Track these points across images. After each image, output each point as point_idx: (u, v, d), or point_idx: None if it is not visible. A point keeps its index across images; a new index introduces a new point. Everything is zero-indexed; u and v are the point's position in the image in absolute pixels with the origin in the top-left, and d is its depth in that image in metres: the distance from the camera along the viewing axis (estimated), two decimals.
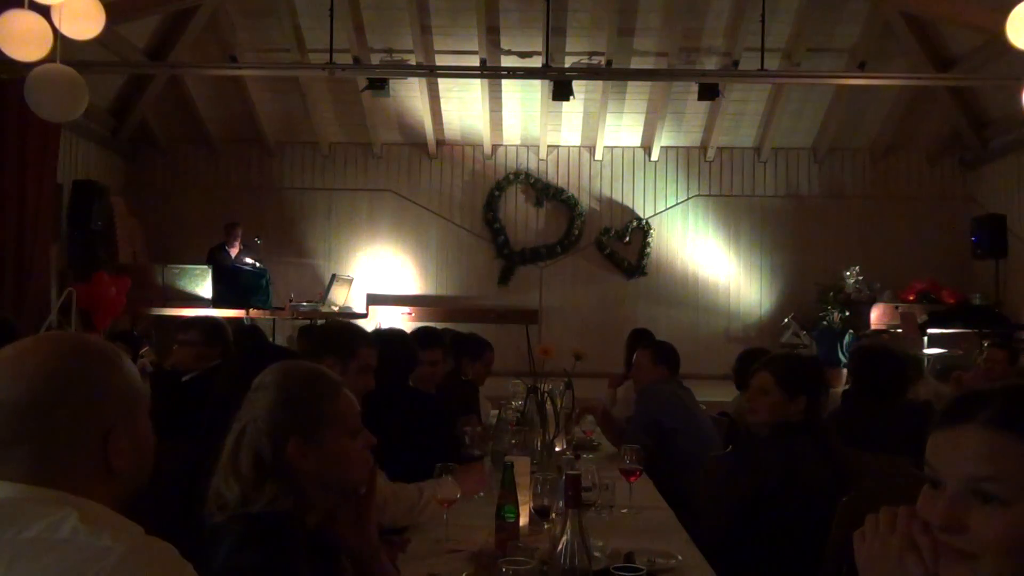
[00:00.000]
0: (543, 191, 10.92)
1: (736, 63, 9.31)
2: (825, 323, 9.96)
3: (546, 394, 3.46)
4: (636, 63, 9.68)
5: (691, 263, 10.89)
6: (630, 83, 10.01)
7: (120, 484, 1.26)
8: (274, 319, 8.97)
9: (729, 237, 10.91)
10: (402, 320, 10.16)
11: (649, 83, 9.97)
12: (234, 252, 9.66)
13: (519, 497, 2.37)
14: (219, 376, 2.96)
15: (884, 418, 3.62)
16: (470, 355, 4.84)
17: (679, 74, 9.37)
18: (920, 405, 3.89)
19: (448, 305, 10.65)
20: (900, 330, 9.14)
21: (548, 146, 10.90)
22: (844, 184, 10.94)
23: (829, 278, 10.26)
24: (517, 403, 3.99)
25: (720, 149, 10.90)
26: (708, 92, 8.89)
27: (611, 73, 9.54)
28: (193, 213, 10.72)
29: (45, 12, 4.70)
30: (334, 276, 9.66)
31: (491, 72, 9.47)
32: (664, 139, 10.76)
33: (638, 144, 10.95)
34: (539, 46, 8.77)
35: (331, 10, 8.34)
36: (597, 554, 2.12)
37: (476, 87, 10.00)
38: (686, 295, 10.81)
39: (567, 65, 9.42)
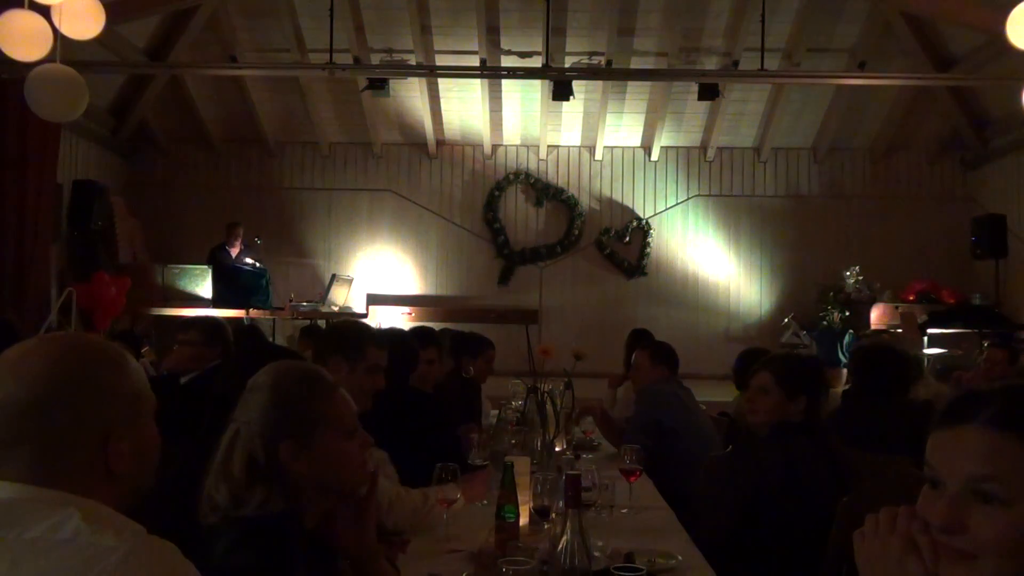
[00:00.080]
0: (543, 191, 10.92)
1: (736, 63, 9.32)
2: (825, 323, 9.97)
3: (546, 394, 3.46)
4: (636, 63, 9.68)
5: (691, 263, 10.89)
6: (630, 83, 10.01)
7: (121, 486, 1.26)
8: (274, 319, 8.98)
9: (729, 237, 10.91)
10: (402, 320, 10.17)
11: (649, 83, 9.97)
12: (235, 252, 9.67)
13: (519, 497, 2.37)
14: (219, 376, 2.96)
15: (884, 418, 3.62)
16: (470, 353, 4.84)
17: (679, 74, 9.38)
18: (921, 405, 3.88)
19: (448, 305, 10.66)
20: (900, 330, 9.14)
21: (548, 146, 10.90)
22: (844, 184, 10.94)
23: (829, 278, 10.27)
24: (517, 403, 4.00)
25: (720, 149, 10.90)
26: (708, 92, 8.90)
27: (611, 73, 9.54)
28: (193, 213, 10.72)
29: (45, 12, 4.70)
30: (334, 276, 9.66)
31: (491, 72, 9.47)
32: (664, 139, 10.76)
33: (638, 144, 10.95)
34: (539, 46, 8.77)
35: (331, 10, 8.34)
36: (597, 554, 2.12)
37: (476, 87, 10.00)
38: (686, 295, 10.81)
39: (567, 65, 9.42)
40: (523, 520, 2.44)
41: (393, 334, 3.62)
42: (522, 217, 10.97)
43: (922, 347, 8.75)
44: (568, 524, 1.77)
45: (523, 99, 10.20)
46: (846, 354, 8.79)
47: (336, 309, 9.07)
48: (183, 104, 10.29)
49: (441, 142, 10.92)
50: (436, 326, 5.12)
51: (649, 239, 10.84)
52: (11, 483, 1.18)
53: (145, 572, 1.13)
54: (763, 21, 8.19)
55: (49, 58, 4.84)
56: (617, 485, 2.87)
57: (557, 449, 3.47)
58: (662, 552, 2.34)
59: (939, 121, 10.31)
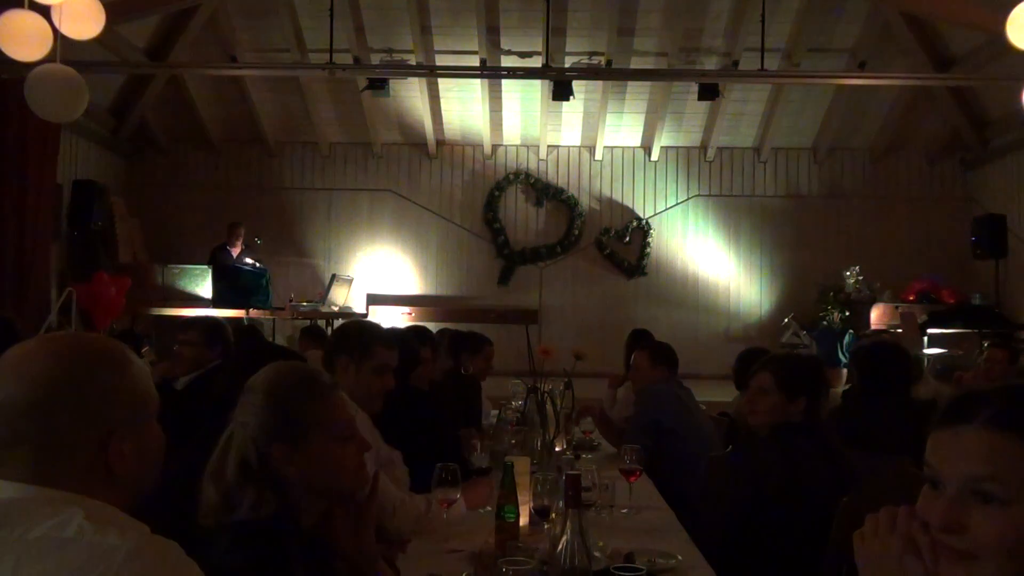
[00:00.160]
0: (543, 191, 10.92)
1: (736, 63, 9.32)
2: (825, 323, 9.97)
3: (546, 394, 3.45)
4: (636, 63, 9.68)
5: (691, 263, 10.89)
6: (630, 83, 10.01)
7: (123, 487, 1.25)
8: (274, 319, 8.98)
9: (729, 237, 10.91)
10: (402, 320, 10.17)
11: (649, 83, 9.97)
12: (236, 252, 9.66)
13: (519, 497, 2.37)
14: (218, 376, 2.96)
15: (885, 417, 3.62)
16: (468, 350, 4.85)
17: (679, 74, 9.38)
18: (921, 404, 3.88)
19: (448, 305, 10.66)
20: (900, 330, 9.13)
21: (548, 146, 10.90)
22: (844, 184, 10.94)
23: (829, 278, 10.27)
24: (517, 403, 4.00)
25: (720, 149, 10.91)
26: (708, 92, 8.90)
27: (611, 73, 9.55)
28: (193, 213, 10.72)
29: (45, 12, 4.70)
30: (334, 276, 9.66)
31: (491, 72, 9.48)
32: (664, 139, 10.76)
33: (638, 144, 10.95)
34: (539, 46, 8.77)
35: (331, 10, 8.34)
36: (597, 554, 2.12)
37: (476, 87, 10.00)
38: (686, 295, 10.81)
39: (567, 65, 9.42)
40: (523, 520, 2.44)
41: (393, 334, 3.62)
42: (522, 217, 10.97)
43: (922, 347, 8.75)
44: (568, 524, 1.77)
45: (523, 99, 10.20)
46: (846, 354, 8.79)
47: (336, 309, 9.07)
48: (183, 104, 10.29)
49: (441, 142, 10.92)
50: (436, 326, 5.13)
51: (649, 239, 10.84)
52: (13, 483, 1.18)
53: (149, 571, 1.13)
54: (763, 21, 8.19)
55: (49, 58, 4.84)
56: (617, 485, 2.87)
57: (557, 449, 3.46)
58: (662, 552, 2.34)
59: (939, 121, 10.31)
